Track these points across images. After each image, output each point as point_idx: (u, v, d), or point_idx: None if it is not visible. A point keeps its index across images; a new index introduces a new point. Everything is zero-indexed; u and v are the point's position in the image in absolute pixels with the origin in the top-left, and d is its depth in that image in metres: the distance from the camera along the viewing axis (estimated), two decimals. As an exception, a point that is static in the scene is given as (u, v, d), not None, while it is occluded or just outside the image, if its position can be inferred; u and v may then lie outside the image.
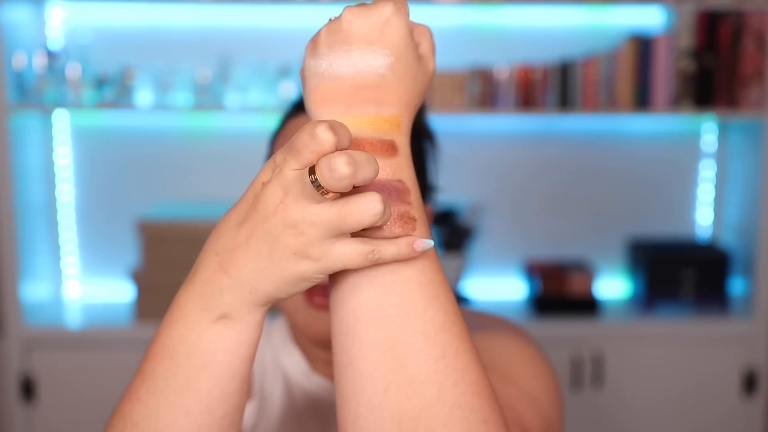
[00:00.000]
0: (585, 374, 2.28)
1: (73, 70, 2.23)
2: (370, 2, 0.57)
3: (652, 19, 2.43)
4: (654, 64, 2.29)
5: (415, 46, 0.57)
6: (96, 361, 2.21)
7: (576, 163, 2.51)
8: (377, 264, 0.52)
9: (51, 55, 2.22)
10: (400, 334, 0.52)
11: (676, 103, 2.31)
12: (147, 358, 0.58)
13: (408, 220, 0.54)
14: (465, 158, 2.46)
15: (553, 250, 2.53)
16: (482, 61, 2.33)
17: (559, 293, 2.34)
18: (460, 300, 2.22)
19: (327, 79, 0.56)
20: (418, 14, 0.64)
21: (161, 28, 2.38)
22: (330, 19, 0.57)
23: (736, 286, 2.46)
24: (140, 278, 2.23)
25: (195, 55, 2.32)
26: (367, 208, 0.49)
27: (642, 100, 2.30)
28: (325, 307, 0.80)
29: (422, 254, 0.54)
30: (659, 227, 2.55)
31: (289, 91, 2.28)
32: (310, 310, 0.81)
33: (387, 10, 0.55)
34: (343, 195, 0.50)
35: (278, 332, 0.93)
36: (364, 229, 0.52)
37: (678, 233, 2.56)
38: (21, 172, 2.24)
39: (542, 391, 0.76)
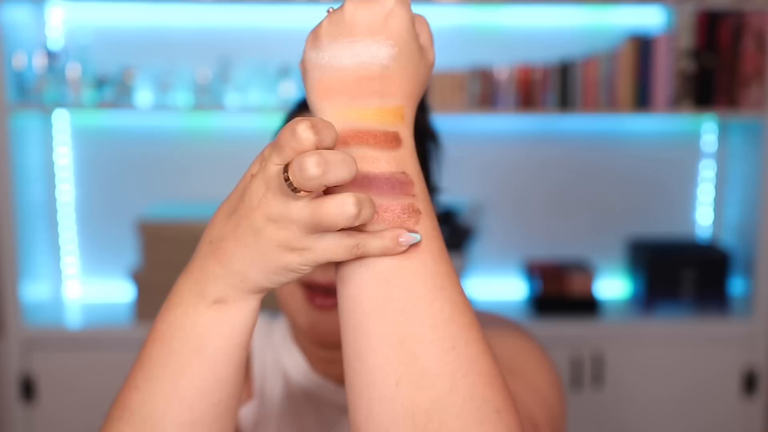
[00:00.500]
0: (585, 374, 2.28)
1: (73, 70, 2.23)
2: None
3: (652, 19, 2.43)
4: (654, 64, 2.29)
5: (417, 37, 0.57)
6: (96, 361, 2.21)
7: (576, 163, 2.51)
8: (379, 256, 0.53)
9: (51, 55, 2.22)
10: (409, 327, 0.52)
11: (676, 103, 2.31)
12: (145, 345, 0.59)
13: (412, 212, 0.54)
14: (465, 158, 2.45)
15: (553, 250, 2.53)
16: (482, 61, 2.33)
17: (559, 293, 2.34)
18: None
19: (329, 71, 0.55)
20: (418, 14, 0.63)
21: (161, 28, 2.38)
22: (328, 11, 0.56)
23: (736, 286, 2.46)
24: (140, 278, 2.23)
25: (195, 55, 2.32)
26: (340, 210, 0.49)
27: (642, 100, 2.30)
28: (327, 308, 0.80)
29: (426, 247, 0.54)
30: (659, 227, 2.55)
31: (289, 91, 2.28)
32: (311, 312, 0.81)
33: (390, 1, 0.55)
34: (326, 192, 0.51)
35: (279, 332, 0.93)
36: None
37: (678, 233, 2.56)
38: (21, 172, 2.24)
39: (547, 386, 0.77)
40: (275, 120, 1.91)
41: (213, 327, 0.57)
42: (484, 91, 2.30)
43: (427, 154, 0.85)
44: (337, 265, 0.55)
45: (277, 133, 0.93)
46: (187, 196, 2.44)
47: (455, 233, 2.34)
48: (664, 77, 2.30)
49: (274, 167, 0.51)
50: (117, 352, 2.21)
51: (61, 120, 2.42)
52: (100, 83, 2.25)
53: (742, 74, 2.30)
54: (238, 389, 0.60)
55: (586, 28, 2.43)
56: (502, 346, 0.76)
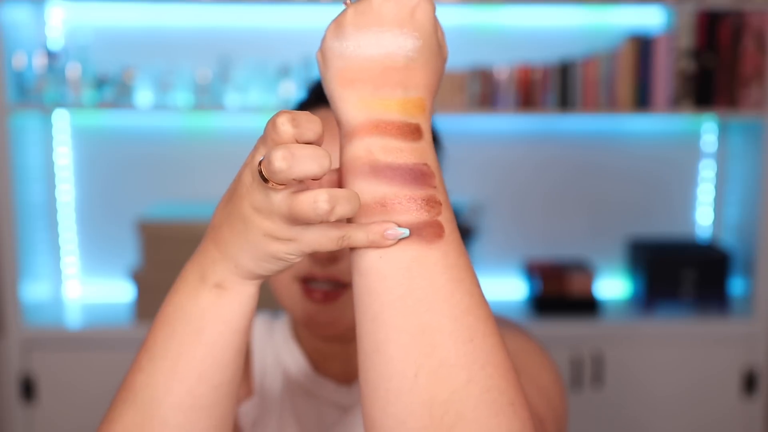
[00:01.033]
0: (585, 374, 2.28)
1: (73, 70, 2.23)
2: None
3: (652, 19, 2.43)
4: (654, 64, 2.29)
5: (437, 33, 0.58)
6: (96, 361, 2.21)
7: (576, 163, 2.51)
8: (365, 247, 0.53)
9: (51, 55, 2.22)
10: (428, 318, 0.52)
11: (676, 103, 2.31)
12: (151, 328, 0.60)
13: (434, 204, 0.54)
14: (465, 158, 2.46)
15: (553, 249, 2.53)
16: (482, 61, 2.33)
17: (559, 293, 2.34)
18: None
19: (354, 60, 0.55)
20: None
21: (161, 28, 2.38)
22: (346, 3, 0.57)
23: (736, 286, 2.46)
24: (140, 278, 2.23)
25: (195, 55, 2.32)
26: (312, 206, 0.50)
27: (642, 100, 2.30)
28: (323, 300, 0.80)
29: (449, 238, 0.54)
30: (659, 227, 2.55)
31: (289, 91, 2.28)
32: (308, 303, 0.81)
33: None
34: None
35: (280, 331, 0.93)
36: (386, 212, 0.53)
37: (678, 233, 2.56)
38: (21, 172, 2.24)
39: (550, 384, 0.77)
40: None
41: (212, 310, 0.58)
42: (484, 91, 2.30)
43: None
44: (354, 257, 0.55)
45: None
46: (187, 196, 2.44)
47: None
48: (664, 77, 2.30)
49: (258, 158, 0.52)
50: (117, 352, 2.21)
51: (61, 120, 2.42)
52: (100, 83, 2.25)
53: (742, 74, 2.30)
54: (238, 375, 0.61)
55: (586, 28, 2.43)
56: (506, 344, 0.77)
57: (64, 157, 2.43)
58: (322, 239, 0.53)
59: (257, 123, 2.38)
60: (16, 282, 2.20)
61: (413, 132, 0.55)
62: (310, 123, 0.51)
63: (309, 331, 0.87)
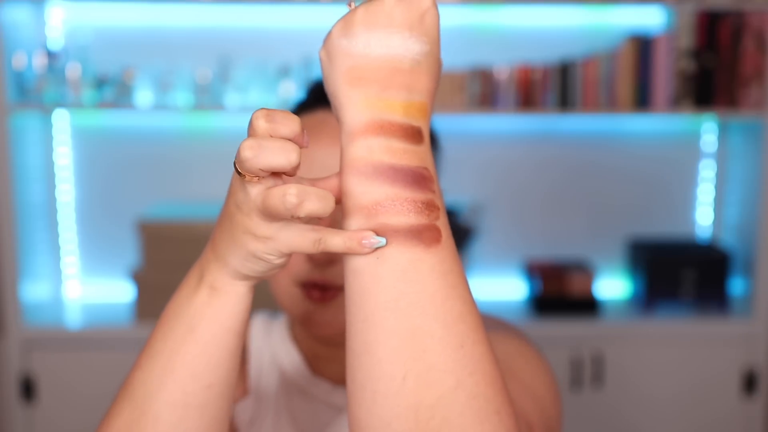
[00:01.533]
0: (585, 374, 2.28)
1: (73, 70, 2.23)
2: None
3: (652, 19, 2.43)
4: (654, 64, 2.29)
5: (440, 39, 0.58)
6: (96, 361, 2.21)
7: (576, 163, 2.51)
8: (341, 252, 0.54)
9: (51, 55, 2.22)
10: (420, 322, 0.52)
11: (676, 103, 2.31)
12: (154, 328, 0.63)
13: (433, 208, 0.54)
14: (465, 158, 2.46)
15: (553, 250, 2.53)
16: (482, 61, 2.33)
17: (559, 293, 2.34)
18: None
19: (362, 59, 0.55)
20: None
21: (161, 28, 2.38)
22: (349, 5, 0.57)
23: (736, 286, 2.46)
24: (140, 278, 2.23)
25: (195, 55, 2.32)
26: (281, 200, 0.51)
27: (642, 100, 2.30)
28: (321, 299, 0.80)
29: (445, 243, 0.54)
30: (659, 227, 2.55)
31: (289, 91, 2.28)
32: (306, 303, 0.81)
33: (428, 1, 0.56)
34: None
35: (278, 331, 0.93)
36: (393, 214, 0.54)
37: (678, 233, 2.56)
38: (21, 172, 2.24)
39: (543, 388, 0.77)
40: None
41: (205, 310, 0.60)
42: (484, 91, 2.30)
43: None
44: (348, 257, 0.55)
45: None
46: (187, 196, 2.44)
47: (455, 233, 2.33)
48: (664, 77, 2.30)
49: None
50: (117, 352, 2.21)
51: (61, 120, 2.42)
52: (100, 83, 2.25)
53: (742, 74, 2.30)
54: (231, 376, 0.62)
55: (586, 28, 2.43)
56: (499, 347, 0.76)
57: (64, 157, 2.43)
58: (298, 239, 0.54)
59: (257, 123, 2.38)
60: (16, 282, 2.20)
61: (415, 135, 0.55)
62: (286, 119, 0.52)
63: (307, 332, 0.87)
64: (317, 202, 0.51)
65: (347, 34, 0.55)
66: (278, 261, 0.56)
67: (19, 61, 2.19)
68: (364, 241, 0.52)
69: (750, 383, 2.31)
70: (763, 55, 2.29)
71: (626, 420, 2.32)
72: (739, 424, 2.32)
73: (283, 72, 2.28)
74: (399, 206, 0.53)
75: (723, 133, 2.52)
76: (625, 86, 2.30)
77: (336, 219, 0.77)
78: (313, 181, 0.57)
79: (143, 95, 2.30)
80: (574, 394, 2.27)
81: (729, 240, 2.51)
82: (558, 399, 0.79)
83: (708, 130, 2.53)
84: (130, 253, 2.42)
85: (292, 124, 0.52)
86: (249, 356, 0.92)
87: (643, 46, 2.30)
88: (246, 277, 0.59)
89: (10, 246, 2.18)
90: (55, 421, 2.23)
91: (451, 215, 2.32)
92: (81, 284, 2.49)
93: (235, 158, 0.52)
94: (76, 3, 2.33)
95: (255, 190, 0.53)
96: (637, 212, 2.54)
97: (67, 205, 2.45)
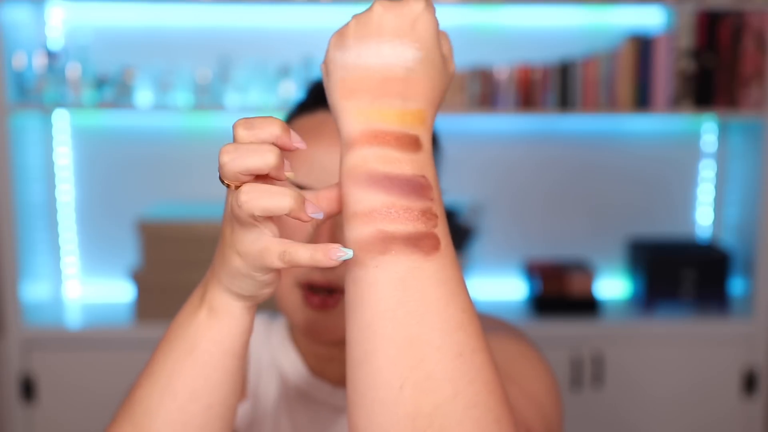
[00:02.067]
0: (585, 374, 2.28)
1: (73, 70, 2.23)
2: None
3: (652, 19, 2.43)
4: (654, 64, 2.29)
5: (440, 45, 0.58)
6: (96, 361, 2.21)
7: (576, 163, 2.51)
8: (306, 266, 0.53)
9: (51, 55, 2.22)
10: (418, 331, 0.52)
11: (676, 103, 2.31)
12: (158, 344, 0.63)
13: (431, 216, 0.54)
14: (465, 158, 2.46)
15: (552, 249, 2.53)
16: (482, 61, 2.33)
17: (559, 293, 2.34)
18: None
19: (354, 70, 0.55)
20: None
21: (161, 28, 2.38)
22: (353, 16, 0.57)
23: (736, 286, 2.46)
24: (140, 278, 2.23)
25: (195, 55, 2.32)
26: (236, 200, 0.51)
27: (642, 100, 2.30)
28: (321, 307, 0.80)
29: (445, 251, 0.54)
30: (659, 227, 2.55)
31: (289, 91, 2.27)
32: (306, 311, 0.81)
33: (419, 6, 0.56)
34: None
35: (278, 333, 0.93)
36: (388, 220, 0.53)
37: (678, 233, 2.56)
38: (21, 172, 2.24)
39: (543, 392, 0.76)
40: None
41: (203, 330, 0.60)
42: (484, 91, 2.30)
43: None
44: (349, 266, 0.55)
45: None
46: (187, 196, 2.44)
47: (455, 233, 2.33)
48: (664, 77, 2.30)
49: None
50: (117, 352, 2.21)
51: (61, 120, 2.42)
52: (100, 83, 2.25)
53: (742, 74, 2.30)
54: (232, 397, 0.61)
55: (586, 28, 2.43)
56: (499, 350, 0.76)
57: (64, 157, 2.43)
58: (266, 253, 0.53)
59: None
60: (16, 282, 2.20)
61: (412, 143, 0.55)
62: (264, 123, 0.52)
63: (307, 339, 0.87)
64: (269, 198, 0.51)
65: (340, 46, 0.56)
66: (263, 278, 0.56)
67: (19, 61, 2.19)
68: (329, 253, 0.52)
69: (750, 383, 2.31)
70: (763, 55, 2.29)
71: (626, 420, 2.32)
72: (739, 424, 2.32)
73: (283, 72, 2.28)
74: (395, 214, 0.53)
75: (723, 133, 2.52)
76: (625, 86, 2.30)
77: (338, 225, 0.77)
78: (316, 191, 0.57)
79: (143, 95, 2.30)
80: (574, 394, 2.27)
81: (729, 240, 2.51)
82: (559, 401, 0.79)
83: (708, 130, 2.53)
84: (130, 253, 2.42)
85: (270, 127, 0.52)
86: (248, 359, 0.91)
87: (643, 46, 2.30)
88: (240, 297, 0.58)
89: (10, 246, 2.18)
90: (55, 421, 2.23)
91: (451, 215, 2.33)
92: (81, 284, 2.49)
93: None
94: (76, 3, 2.33)
95: (230, 198, 0.53)
96: (637, 212, 2.54)
97: (67, 205, 2.45)
